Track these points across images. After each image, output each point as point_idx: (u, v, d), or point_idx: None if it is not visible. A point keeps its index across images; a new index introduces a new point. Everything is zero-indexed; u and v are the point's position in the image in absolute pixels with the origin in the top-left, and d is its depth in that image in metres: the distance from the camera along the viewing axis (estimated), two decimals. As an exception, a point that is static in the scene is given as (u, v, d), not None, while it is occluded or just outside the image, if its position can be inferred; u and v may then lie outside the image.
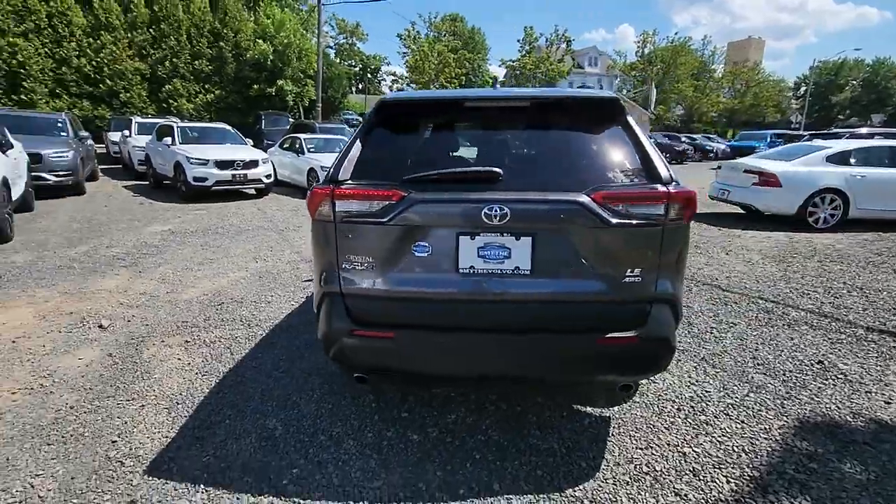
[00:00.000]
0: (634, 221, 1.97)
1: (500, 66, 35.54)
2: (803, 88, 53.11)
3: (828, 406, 2.76)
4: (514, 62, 31.04)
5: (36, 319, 3.92)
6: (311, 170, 10.99)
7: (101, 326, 3.80)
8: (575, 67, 56.86)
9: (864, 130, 18.17)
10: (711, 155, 28.69)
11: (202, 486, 2.10)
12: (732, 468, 2.23)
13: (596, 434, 2.48)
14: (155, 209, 9.19)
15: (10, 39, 19.09)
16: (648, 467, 2.23)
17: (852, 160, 8.11)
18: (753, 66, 51.81)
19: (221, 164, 9.91)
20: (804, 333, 3.77)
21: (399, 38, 27.46)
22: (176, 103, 22.83)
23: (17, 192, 7.14)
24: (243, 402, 2.75)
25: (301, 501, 2.01)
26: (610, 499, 2.04)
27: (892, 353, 3.45)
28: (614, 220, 1.93)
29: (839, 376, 3.11)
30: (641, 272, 2.02)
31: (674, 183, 2.01)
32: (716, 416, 2.64)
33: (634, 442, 2.42)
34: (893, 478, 2.18)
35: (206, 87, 23.92)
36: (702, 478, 2.17)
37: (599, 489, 2.09)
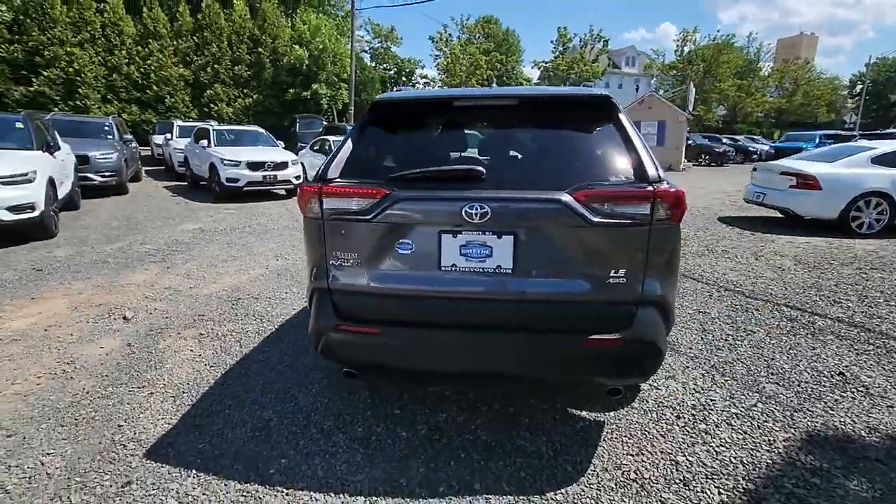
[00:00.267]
0: (619, 221, 1.93)
1: (532, 67, 35.27)
2: (859, 87, 50.15)
3: (842, 420, 2.61)
4: (546, 63, 30.71)
5: (68, 310, 4.17)
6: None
7: (125, 318, 4.01)
8: (611, 68, 55.75)
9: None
10: (755, 157, 27.51)
11: (194, 471, 2.19)
12: (726, 479, 2.15)
13: (586, 438, 2.43)
14: (190, 208, 9.61)
15: (68, 49, 20.38)
16: (636, 474, 2.18)
17: (901, 161, 7.62)
18: (804, 63, 49.33)
19: (253, 166, 10.26)
20: (828, 343, 3.58)
21: (431, 40, 27.64)
22: (216, 107, 23.77)
23: (63, 192, 7.62)
24: (244, 394, 2.85)
25: (284, 490, 2.07)
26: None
27: (925, 366, 3.22)
28: (596, 219, 1.90)
29: (860, 389, 2.93)
30: (627, 273, 1.97)
31: (662, 182, 1.96)
32: (717, 426, 2.54)
33: (626, 448, 2.36)
34: (904, 498, 2.04)
35: (245, 91, 24.79)
36: (692, 488, 2.10)
37: (581, 494, 2.06)
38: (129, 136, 13.03)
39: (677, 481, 2.14)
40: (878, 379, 3.05)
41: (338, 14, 34.65)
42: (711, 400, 2.79)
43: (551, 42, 29.78)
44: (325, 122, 20.40)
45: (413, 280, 2.08)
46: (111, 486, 2.09)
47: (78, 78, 20.56)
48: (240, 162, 10.19)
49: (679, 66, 37.46)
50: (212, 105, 23.81)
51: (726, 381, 3.02)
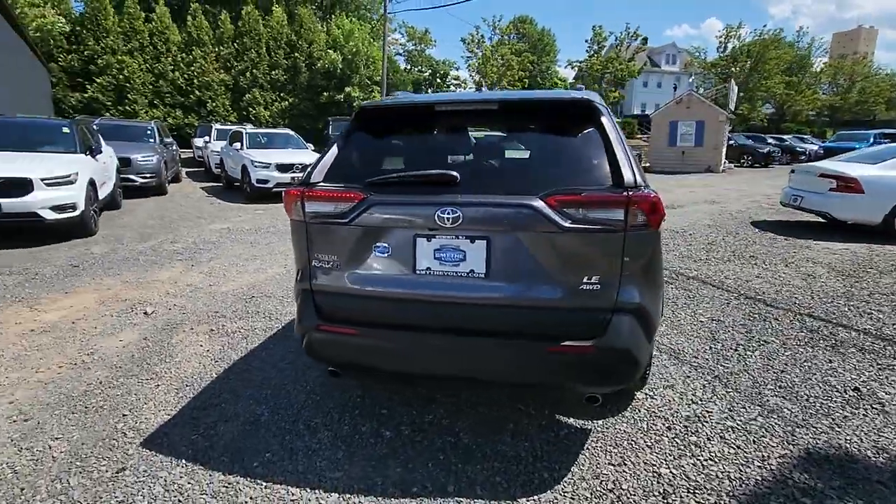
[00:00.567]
0: (591, 227, 1.90)
1: (565, 67, 34.68)
2: (922, 82, 46.74)
3: (848, 438, 2.47)
4: (580, 63, 30.19)
5: (96, 304, 4.44)
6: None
7: (145, 313, 4.23)
8: (650, 66, 54.27)
9: None
10: (803, 157, 26.14)
11: (184, 461, 2.29)
12: (708, 494, 2.08)
13: (569, 446, 2.40)
14: (222, 208, 10.01)
15: (119, 57, 21.63)
16: (614, 485, 2.13)
17: (954, 163, 7.10)
18: (861, 58, 46.48)
19: (282, 168, 10.58)
20: (849, 357, 3.38)
21: (462, 42, 27.67)
22: (254, 111, 24.63)
23: (104, 192, 8.10)
24: (242, 389, 2.96)
25: (264, 484, 2.15)
26: (562, 512, 1.98)
27: (953, 384, 3.00)
28: (567, 225, 1.88)
29: (875, 406, 2.77)
30: (601, 280, 1.94)
31: (639, 188, 1.92)
32: (709, 439, 2.46)
33: (608, 457, 2.31)
34: (902, 524, 1.92)
35: (281, 95, 25.58)
36: (670, 501, 2.04)
37: (554, 501, 2.04)
38: (170, 140, 13.69)
39: (656, 493, 2.08)
40: (897, 396, 2.87)
41: (373, 18, 35.26)
42: (708, 411, 2.70)
43: (586, 41, 29.21)
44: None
45: (389, 283, 2.12)
46: (107, 471, 2.22)
47: (127, 84, 21.78)
48: (269, 164, 10.53)
49: (722, 63, 36.06)
50: (250, 109, 24.69)
51: (728, 392, 2.91)
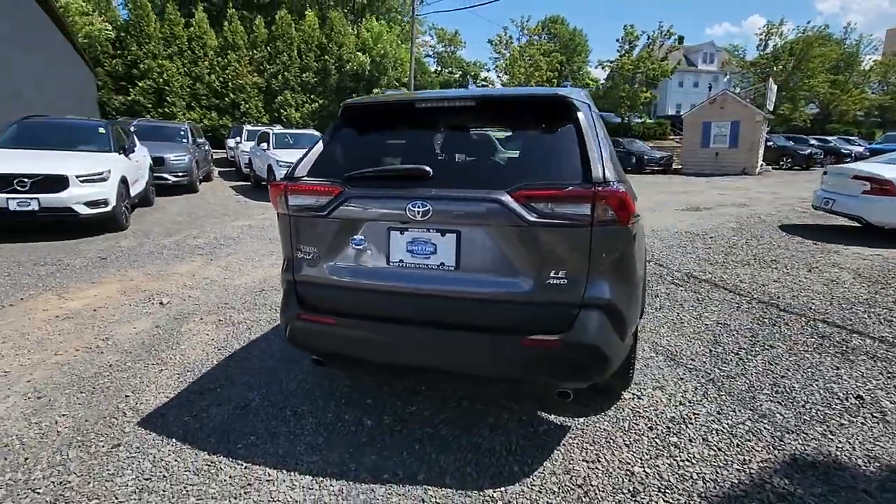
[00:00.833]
0: (557, 222, 1.91)
1: (595, 67, 34.03)
2: (985, 80, 43.62)
3: (840, 445, 2.38)
4: (611, 63, 29.64)
5: (118, 294, 4.69)
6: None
7: (161, 303, 4.44)
8: (686, 66, 52.74)
9: None
10: (848, 160, 24.87)
11: (174, 440, 2.42)
12: (679, 495, 2.05)
13: (546, 442, 2.40)
14: (247, 206, 10.35)
15: (160, 62, 22.63)
16: (584, 481, 2.13)
17: None
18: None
19: (305, 167, 10.83)
20: (857, 364, 3.24)
21: (490, 43, 27.58)
22: (286, 112, 25.30)
23: (136, 189, 8.51)
24: (239, 375, 3.08)
25: (244, 464, 2.25)
26: (526, 504, 2.00)
27: (967, 395, 2.84)
28: (533, 219, 1.90)
29: (876, 414, 2.65)
30: (568, 275, 1.95)
31: (608, 184, 1.91)
32: (690, 440, 2.42)
33: (583, 454, 2.31)
34: (881, 534, 1.85)
35: (312, 97, 26.17)
36: (638, 499, 2.03)
37: (520, 494, 2.05)
38: (202, 140, 14.24)
39: (625, 491, 2.07)
40: (902, 405, 2.74)
41: (403, 20, 35.66)
42: (695, 413, 2.65)
43: (617, 41, 28.67)
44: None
45: (365, 274, 2.18)
46: (103, 446, 2.37)
47: (167, 87, 22.76)
48: (293, 163, 10.80)
49: (762, 62, 34.69)
50: (282, 110, 25.37)
51: (720, 395, 2.84)
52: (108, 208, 6.93)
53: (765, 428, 2.52)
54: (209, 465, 2.23)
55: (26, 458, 2.28)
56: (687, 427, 2.53)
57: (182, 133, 12.85)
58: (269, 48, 25.32)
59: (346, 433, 2.48)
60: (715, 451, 2.34)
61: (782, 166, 25.44)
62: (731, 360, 3.31)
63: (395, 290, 2.14)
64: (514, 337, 1.99)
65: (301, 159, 2.36)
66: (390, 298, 2.16)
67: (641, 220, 2.54)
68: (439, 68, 56.79)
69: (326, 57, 25.92)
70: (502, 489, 2.08)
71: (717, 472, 2.18)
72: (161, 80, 22.62)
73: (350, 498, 2.04)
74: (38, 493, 2.05)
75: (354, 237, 2.17)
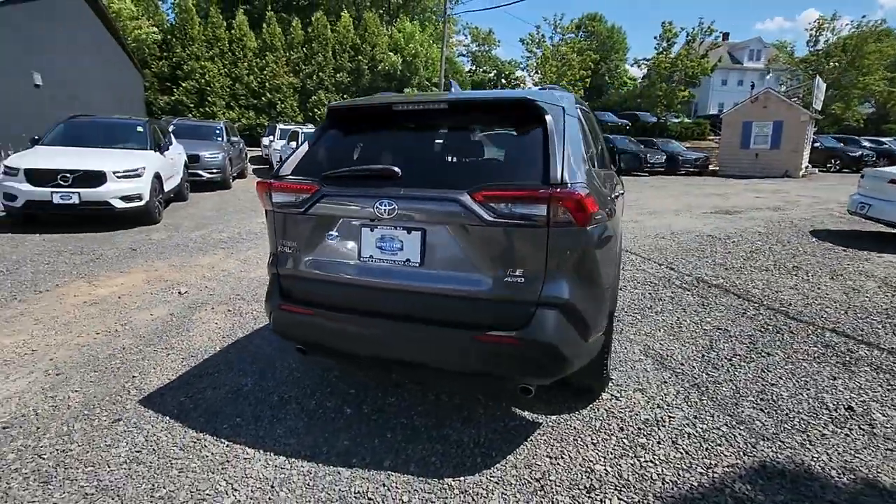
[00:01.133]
0: (514, 221, 1.97)
1: (631, 65, 33.17)
2: None
3: (817, 456, 2.33)
4: (647, 61, 28.83)
5: (142, 283, 5.02)
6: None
7: (179, 293, 4.73)
8: (731, 63, 50.72)
9: None
10: (903, 162, 23.40)
11: (167, 417, 2.62)
12: (634, 494, 2.07)
13: (514, 437, 2.46)
14: (274, 203, 10.71)
15: (202, 63, 23.65)
16: (543, 475, 2.18)
17: None
18: None
19: (331, 165, 11.14)
20: (857, 375, 3.14)
21: (521, 42, 27.37)
22: (319, 112, 25.94)
23: (170, 185, 8.98)
24: (237, 362, 3.27)
25: (226, 442, 2.41)
26: (482, 494, 2.07)
27: (970, 412, 2.71)
28: (491, 219, 1.96)
29: (863, 427, 2.57)
30: (525, 273, 2.00)
31: (566, 185, 1.96)
32: (659, 442, 2.42)
33: (548, 450, 2.36)
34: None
35: (345, 96, 26.71)
36: (593, 495, 2.06)
37: (477, 484, 2.13)
38: (237, 139, 14.82)
39: (581, 487, 2.11)
40: (895, 420, 2.64)
41: (438, 20, 35.87)
42: (670, 417, 2.64)
43: (654, 38, 27.84)
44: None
45: (339, 268, 2.30)
46: (105, 420, 2.59)
47: (208, 88, 23.77)
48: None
49: (812, 59, 32.95)
50: (315, 110, 26.04)
51: (702, 400, 2.82)
52: (142, 203, 7.37)
53: (740, 434, 2.49)
54: (195, 442, 2.41)
55: (38, 428, 2.52)
56: (658, 429, 2.53)
57: (217, 132, 13.43)
58: (305, 49, 26.04)
59: (326, 419, 2.62)
60: (682, 454, 2.34)
61: (830, 169, 24.18)
62: (722, 365, 3.26)
63: (365, 285, 2.25)
64: (474, 332, 2.06)
65: (287, 158, 2.51)
66: (361, 292, 2.27)
67: (615, 223, 2.57)
68: (473, 67, 56.74)
69: (360, 57, 26.44)
70: (461, 478, 2.16)
71: (679, 475, 2.19)
72: (203, 80, 23.64)
73: (317, 478, 2.17)
74: (43, 459, 2.28)
75: (330, 233, 2.29)
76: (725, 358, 3.37)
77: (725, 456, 2.32)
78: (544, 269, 2.00)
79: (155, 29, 22.87)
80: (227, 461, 2.27)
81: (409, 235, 2.13)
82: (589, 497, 2.06)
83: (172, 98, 23.53)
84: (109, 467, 2.23)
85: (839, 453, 2.36)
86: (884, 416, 2.68)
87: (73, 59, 16.61)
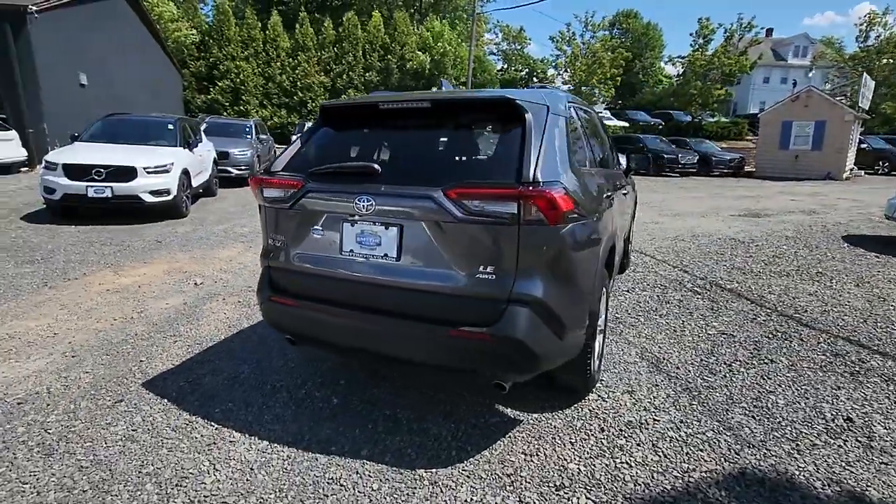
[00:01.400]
0: (486, 219, 1.99)
1: (666, 62, 32.19)
2: None
3: (803, 466, 2.26)
4: (681, 58, 27.96)
5: (163, 274, 5.26)
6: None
7: (195, 284, 4.93)
8: (774, 60, 48.68)
9: None
10: (959, 165, 22.01)
11: (166, 400, 2.76)
12: (603, 493, 2.07)
13: (493, 433, 2.48)
14: (298, 199, 10.98)
15: (237, 63, 24.41)
16: (514, 470, 2.20)
17: None
18: None
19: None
20: (864, 386, 3.01)
21: (551, 40, 26.93)
22: (349, 110, 26.34)
23: (199, 181, 9.34)
24: (239, 351, 3.41)
25: (215, 426, 2.53)
26: (450, 486, 2.11)
27: (982, 428, 2.57)
28: (462, 215, 1.99)
29: (860, 438, 2.48)
30: (496, 270, 2.03)
31: (538, 184, 1.97)
32: (638, 444, 2.40)
33: (524, 447, 2.37)
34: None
35: (374, 95, 27.07)
36: (562, 493, 2.07)
37: (448, 476, 2.16)
38: (266, 136, 15.25)
39: (550, 484, 2.12)
40: (896, 432, 2.53)
41: (469, 18, 35.83)
42: (655, 420, 2.61)
43: (690, 35, 26.97)
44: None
45: (322, 262, 2.38)
46: (109, 400, 2.75)
47: (242, 87, 24.53)
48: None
49: (861, 55, 31.24)
50: (345, 108, 26.44)
51: (691, 405, 2.77)
52: (170, 197, 7.70)
53: (724, 440, 2.44)
54: (187, 424, 2.54)
55: (48, 404, 2.70)
56: (640, 432, 2.50)
57: (247, 129, 13.86)
58: (335, 49, 26.52)
59: (313, 408, 2.70)
60: (660, 457, 2.31)
61: (877, 171, 22.94)
62: (720, 371, 3.18)
63: (346, 278, 2.32)
64: (446, 327, 2.10)
65: (279, 154, 2.60)
66: (343, 285, 2.34)
67: (604, 224, 2.55)
68: (505, 66, 56.37)
69: (389, 56, 26.74)
70: (433, 470, 2.20)
71: (653, 477, 2.16)
72: (238, 80, 24.42)
73: (294, 463, 2.25)
74: (48, 433, 2.45)
75: (315, 227, 2.37)
76: (725, 363, 3.29)
77: (705, 461, 2.28)
78: (515, 267, 2.02)
79: (194, 31, 23.75)
80: (214, 443, 2.39)
81: (386, 231, 2.19)
82: (557, 494, 2.06)
83: (209, 97, 24.39)
84: (106, 444, 2.37)
85: (828, 464, 2.28)
86: (885, 428, 2.57)
87: (116, 60, 17.44)
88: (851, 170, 20.97)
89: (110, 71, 16.94)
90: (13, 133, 12.51)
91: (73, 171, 7.07)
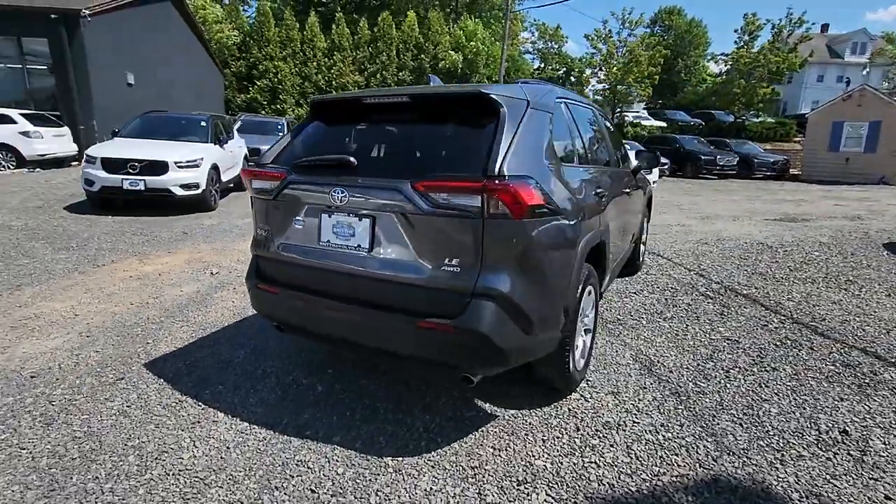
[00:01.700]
0: (450, 211, 2.01)
1: (708, 60, 30.90)
2: None
3: (783, 477, 2.17)
4: (725, 56, 26.86)
5: (183, 263, 5.51)
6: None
7: (212, 273, 5.15)
8: (830, 57, 46.05)
9: None
10: None
11: (162, 380, 2.91)
12: (564, 491, 2.05)
13: (466, 426, 2.50)
14: (323, 195, 11.25)
15: (275, 63, 25.15)
16: (480, 463, 2.21)
17: None
18: None
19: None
20: (871, 398, 2.85)
21: (586, 38, 26.38)
22: (382, 109, 26.68)
23: (229, 176, 9.70)
24: (237, 337, 3.55)
25: (202, 406, 2.65)
26: (413, 474, 2.14)
27: None
28: (427, 208, 2.02)
29: (853, 452, 2.35)
30: (460, 263, 2.04)
31: (503, 178, 1.97)
32: (612, 445, 2.36)
33: (494, 441, 2.37)
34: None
35: (407, 95, 27.29)
36: (522, 487, 2.07)
37: (412, 465, 2.19)
38: (298, 134, 15.68)
39: (512, 478, 2.12)
40: (894, 450, 2.38)
41: (504, 17, 35.60)
42: (635, 422, 2.56)
43: (735, 31, 25.83)
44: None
45: (301, 251, 2.45)
46: (111, 378, 2.93)
47: (280, 86, 25.25)
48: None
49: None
50: (378, 107, 26.79)
51: (677, 409, 2.69)
52: (199, 191, 8.06)
53: (704, 446, 2.37)
54: (176, 403, 2.67)
55: (56, 379, 2.90)
56: (617, 433, 2.46)
57: (279, 127, 14.31)
58: (370, 48, 26.93)
59: (297, 394, 2.79)
60: (631, 459, 2.26)
61: (940, 176, 21.36)
62: (715, 377, 3.08)
63: (323, 267, 2.38)
64: (414, 318, 2.13)
65: (270, 148, 2.70)
66: (320, 275, 2.41)
67: (582, 221, 2.52)
68: (542, 65, 55.73)
69: (422, 56, 26.91)
70: (399, 459, 2.24)
71: (619, 479, 2.13)
72: (276, 79, 25.17)
73: (269, 445, 2.33)
74: (52, 404, 2.63)
75: (296, 218, 2.45)
76: (722, 369, 3.18)
77: (678, 466, 2.22)
78: (480, 260, 2.03)
79: (236, 32, 24.64)
80: (198, 422, 2.50)
81: (360, 222, 2.24)
82: (517, 489, 2.06)
83: (248, 96, 25.25)
84: (101, 417, 2.53)
85: (811, 477, 2.18)
86: (884, 443, 2.43)
87: (162, 60, 18.34)
88: (908, 173, 19.64)
89: (157, 71, 17.83)
90: (66, 129, 13.36)
91: (110, 165, 7.49)
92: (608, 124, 4.11)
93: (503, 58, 21.39)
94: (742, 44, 25.89)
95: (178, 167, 7.78)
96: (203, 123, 9.31)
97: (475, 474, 2.15)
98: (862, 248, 6.94)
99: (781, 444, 2.40)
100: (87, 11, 13.79)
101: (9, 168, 11.89)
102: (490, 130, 2.16)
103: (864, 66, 38.70)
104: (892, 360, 3.35)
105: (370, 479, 2.11)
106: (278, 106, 25.25)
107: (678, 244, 6.96)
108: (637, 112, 30.30)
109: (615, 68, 25.48)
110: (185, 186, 7.86)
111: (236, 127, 12.50)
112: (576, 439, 2.41)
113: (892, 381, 3.05)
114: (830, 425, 2.57)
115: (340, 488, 2.06)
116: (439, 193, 2.02)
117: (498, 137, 2.09)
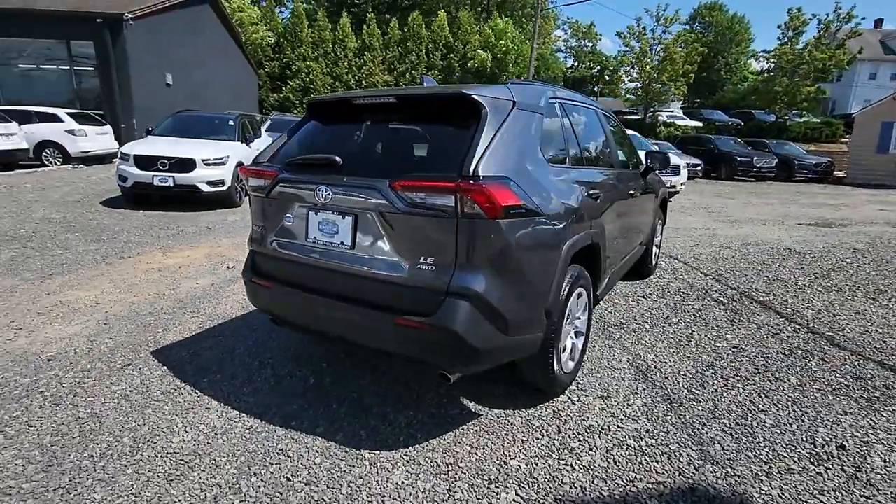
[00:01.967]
0: (426, 211, 2.04)
1: (749, 58, 29.71)
2: None
3: (765, 490, 2.10)
4: (767, 53, 25.75)
5: (203, 257, 5.74)
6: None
7: (228, 267, 5.34)
8: (884, 54, 43.55)
9: None
10: None
11: (165, 367, 3.06)
12: (535, 491, 2.05)
13: (448, 424, 2.52)
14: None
15: (308, 63, 25.72)
16: (455, 461, 2.23)
17: None
18: None
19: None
20: (878, 413, 2.71)
21: (618, 36, 25.79)
22: (410, 108, 26.92)
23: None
24: (242, 328, 3.68)
25: (198, 393, 2.77)
26: (387, 468, 2.18)
27: None
28: (403, 207, 2.06)
29: (847, 469, 2.25)
30: (435, 262, 2.07)
31: (477, 178, 1.98)
32: (591, 449, 2.34)
33: (473, 440, 2.39)
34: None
35: (436, 94, 27.43)
36: (491, 487, 2.08)
37: (388, 459, 2.23)
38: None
39: (485, 477, 2.13)
40: (894, 467, 2.27)
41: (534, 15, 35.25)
42: (619, 427, 2.52)
43: (778, 27, 24.77)
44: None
45: (290, 247, 2.53)
46: (119, 363, 3.10)
47: (312, 86, 25.84)
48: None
49: None
50: (407, 107, 27.05)
51: (666, 416, 2.64)
52: (224, 188, 8.35)
53: (687, 454, 2.32)
54: (175, 389, 2.80)
55: (70, 363, 3.09)
56: (598, 437, 2.43)
57: (307, 126, 14.61)
58: (400, 48, 27.20)
59: (290, 386, 2.88)
60: (609, 463, 2.24)
61: None
62: (713, 385, 2.99)
63: (310, 263, 2.45)
64: (391, 315, 2.17)
65: (268, 147, 2.79)
66: (307, 270, 2.48)
67: (567, 223, 2.50)
68: (575, 63, 54.90)
69: (452, 55, 26.99)
70: (377, 452, 2.29)
71: (593, 483, 2.11)
72: (308, 79, 25.77)
73: (254, 433, 2.42)
74: (63, 385, 2.81)
75: (287, 215, 2.53)
76: (722, 377, 3.09)
77: (657, 473, 2.18)
78: (454, 260, 2.05)
79: (269, 33, 25.35)
80: (192, 408, 2.62)
81: (343, 220, 2.30)
82: (488, 487, 2.08)
83: (281, 96, 25.94)
84: (104, 400, 2.68)
85: (796, 491, 2.10)
86: (883, 461, 2.31)
87: (199, 61, 19.05)
88: (966, 178, 18.37)
89: (194, 72, 18.53)
90: (108, 128, 14.06)
91: (142, 162, 7.86)
92: (613, 125, 4.04)
93: (532, 56, 21.20)
94: (786, 40, 24.78)
95: (205, 164, 8.09)
96: (231, 122, 9.63)
97: (448, 471, 2.17)
98: (898, 256, 6.56)
99: (770, 457, 2.32)
100: (130, 15, 14.47)
101: (55, 164, 12.61)
102: (469, 131, 2.17)
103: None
104: (910, 375, 3.17)
105: (345, 471, 2.16)
106: (310, 105, 25.82)
107: (699, 248, 6.76)
108: (672, 111, 29.46)
109: (648, 66, 24.84)
110: (211, 183, 8.16)
111: (266, 126, 12.87)
112: (555, 441, 2.40)
113: (905, 397, 2.89)
114: (828, 439, 2.47)
115: (315, 477, 2.12)
116: (416, 193, 2.06)
117: (476, 138, 2.11)
